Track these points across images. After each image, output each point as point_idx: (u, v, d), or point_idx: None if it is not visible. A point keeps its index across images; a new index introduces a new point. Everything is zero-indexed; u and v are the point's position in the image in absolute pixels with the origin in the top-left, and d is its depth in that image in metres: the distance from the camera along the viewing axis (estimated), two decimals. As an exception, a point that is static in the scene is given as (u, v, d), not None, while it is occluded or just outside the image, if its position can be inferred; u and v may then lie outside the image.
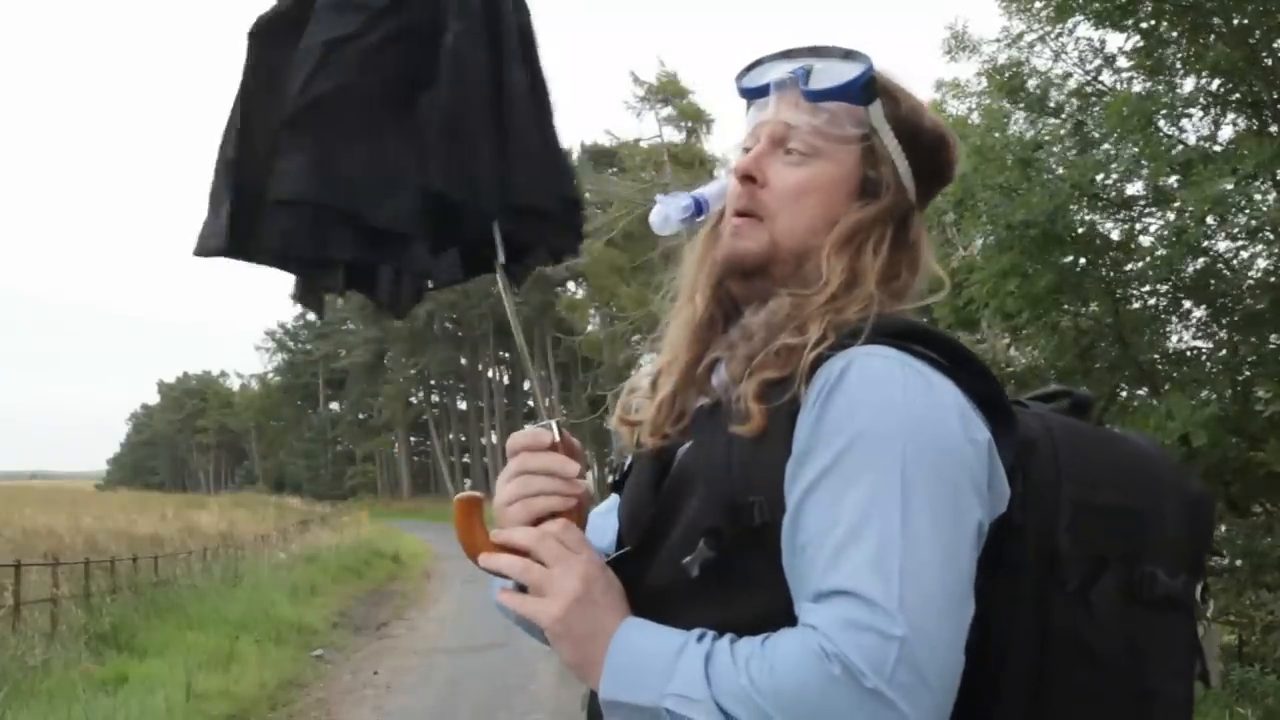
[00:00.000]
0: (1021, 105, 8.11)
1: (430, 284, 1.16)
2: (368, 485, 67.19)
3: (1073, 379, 7.71)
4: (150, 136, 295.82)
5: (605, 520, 1.14)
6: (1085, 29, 7.69)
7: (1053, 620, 0.95)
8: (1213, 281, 7.54)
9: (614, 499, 1.18)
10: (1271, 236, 7.08)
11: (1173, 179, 7.03)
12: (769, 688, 0.83)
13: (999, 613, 0.93)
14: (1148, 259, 7.53)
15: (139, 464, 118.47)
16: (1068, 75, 8.05)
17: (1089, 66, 7.95)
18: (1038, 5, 7.67)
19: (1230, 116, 7.57)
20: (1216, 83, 7.28)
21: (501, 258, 1.08)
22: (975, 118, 8.33)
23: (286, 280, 1.14)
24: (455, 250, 1.13)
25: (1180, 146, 7.13)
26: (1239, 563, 7.10)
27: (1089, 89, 8.00)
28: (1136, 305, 7.87)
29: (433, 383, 63.84)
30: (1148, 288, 7.87)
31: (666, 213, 1.13)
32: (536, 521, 0.99)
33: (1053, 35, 7.86)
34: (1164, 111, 7.09)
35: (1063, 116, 8.08)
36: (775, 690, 0.82)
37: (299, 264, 1.11)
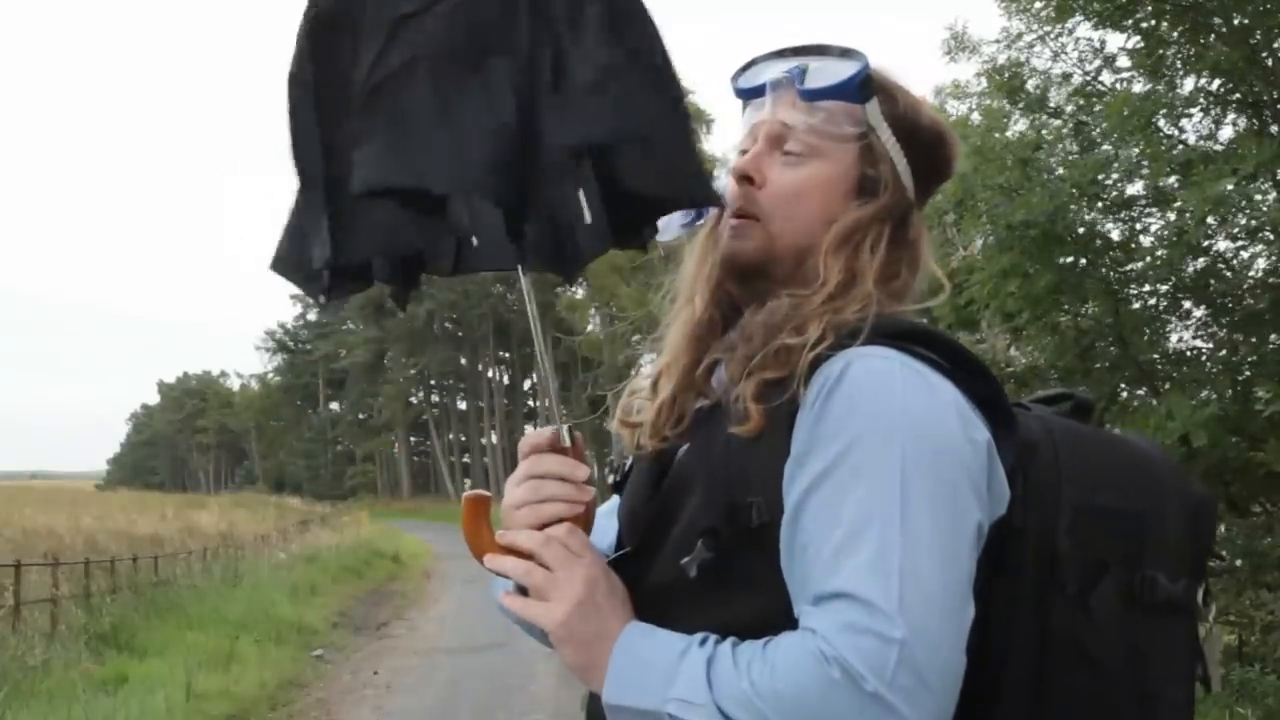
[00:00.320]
0: (1021, 106, 8.10)
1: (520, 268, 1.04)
2: (368, 485, 67.21)
3: (1073, 379, 7.70)
4: (151, 136, 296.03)
5: (606, 522, 1.14)
6: (1085, 29, 7.70)
7: (1052, 623, 0.94)
8: (1213, 281, 7.53)
9: (615, 500, 1.18)
10: (1271, 236, 7.07)
11: (1173, 179, 7.03)
12: (770, 691, 0.82)
13: (999, 615, 0.93)
14: (1148, 259, 7.52)
15: (139, 464, 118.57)
16: (1068, 75, 8.05)
17: (1089, 67, 7.95)
18: (1038, 5, 7.67)
19: (1230, 116, 7.56)
20: (1216, 83, 7.27)
21: (588, 218, 0.99)
22: (975, 118, 8.34)
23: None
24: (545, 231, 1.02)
25: (1180, 147, 7.13)
26: (1239, 563, 7.10)
27: (1089, 89, 8.00)
28: (1136, 305, 7.87)
29: (433, 383, 63.86)
30: (1148, 288, 7.86)
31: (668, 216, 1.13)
32: (544, 526, 0.99)
33: (1052, 35, 7.86)
34: (1164, 112, 7.08)
35: (1064, 117, 8.07)
36: (776, 694, 0.82)
37: (402, 260, 1.05)
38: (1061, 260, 7.24)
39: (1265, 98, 7.16)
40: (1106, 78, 7.94)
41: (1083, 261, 7.41)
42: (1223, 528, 7.15)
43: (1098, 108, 7.58)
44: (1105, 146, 7.27)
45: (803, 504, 0.89)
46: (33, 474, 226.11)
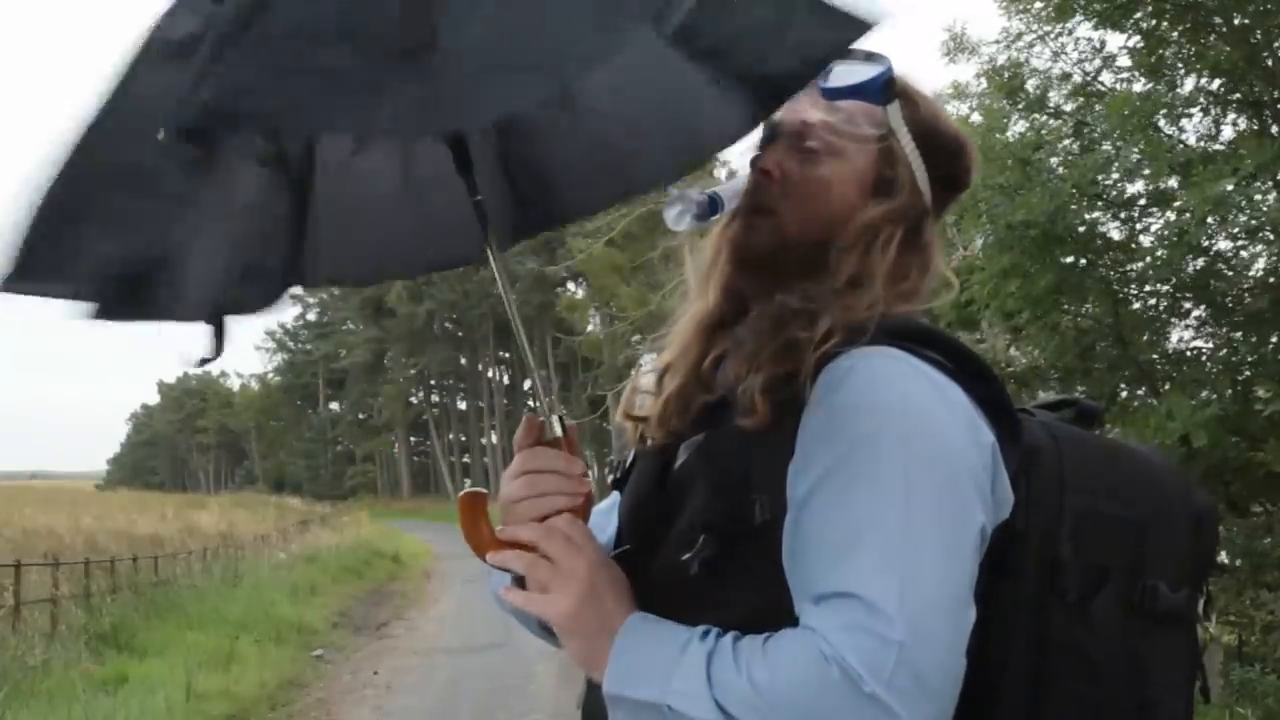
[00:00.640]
0: (1021, 106, 8.10)
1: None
2: (368, 485, 67.21)
3: (1073, 379, 7.71)
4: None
5: (605, 518, 1.14)
6: (1085, 29, 7.69)
7: (1053, 629, 0.94)
8: (1213, 281, 7.53)
9: (615, 497, 1.18)
10: (1271, 236, 7.07)
11: (1173, 179, 7.03)
12: (768, 689, 0.82)
13: (999, 619, 0.93)
14: (1148, 259, 7.52)
15: (139, 464, 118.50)
16: (1067, 75, 8.04)
17: (1089, 67, 7.95)
18: (1037, 5, 7.66)
19: (1230, 116, 7.56)
20: (1217, 83, 7.27)
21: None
22: (976, 118, 8.33)
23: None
24: None
25: (1180, 147, 7.12)
26: (1239, 563, 7.09)
27: (1089, 89, 7.99)
28: (1136, 305, 7.86)
29: (433, 383, 63.84)
30: (1148, 288, 7.86)
31: (682, 209, 1.11)
32: (544, 519, 0.99)
33: (1052, 35, 7.86)
34: (1164, 112, 7.08)
35: (1064, 117, 8.07)
36: (773, 692, 0.82)
37: None
38: (1062, 260, 7.24)
39: (1265, 98, 7.16)
40: (1106, 78, 7.94)
41: (1083, 261, 7.41)
42: (1223, 528, 7.14)
43: (1098, 108, 7.57)
44: (1105, 146, 7.26)
45: (806, 502, 0.89)
46: (33, 474, 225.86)
